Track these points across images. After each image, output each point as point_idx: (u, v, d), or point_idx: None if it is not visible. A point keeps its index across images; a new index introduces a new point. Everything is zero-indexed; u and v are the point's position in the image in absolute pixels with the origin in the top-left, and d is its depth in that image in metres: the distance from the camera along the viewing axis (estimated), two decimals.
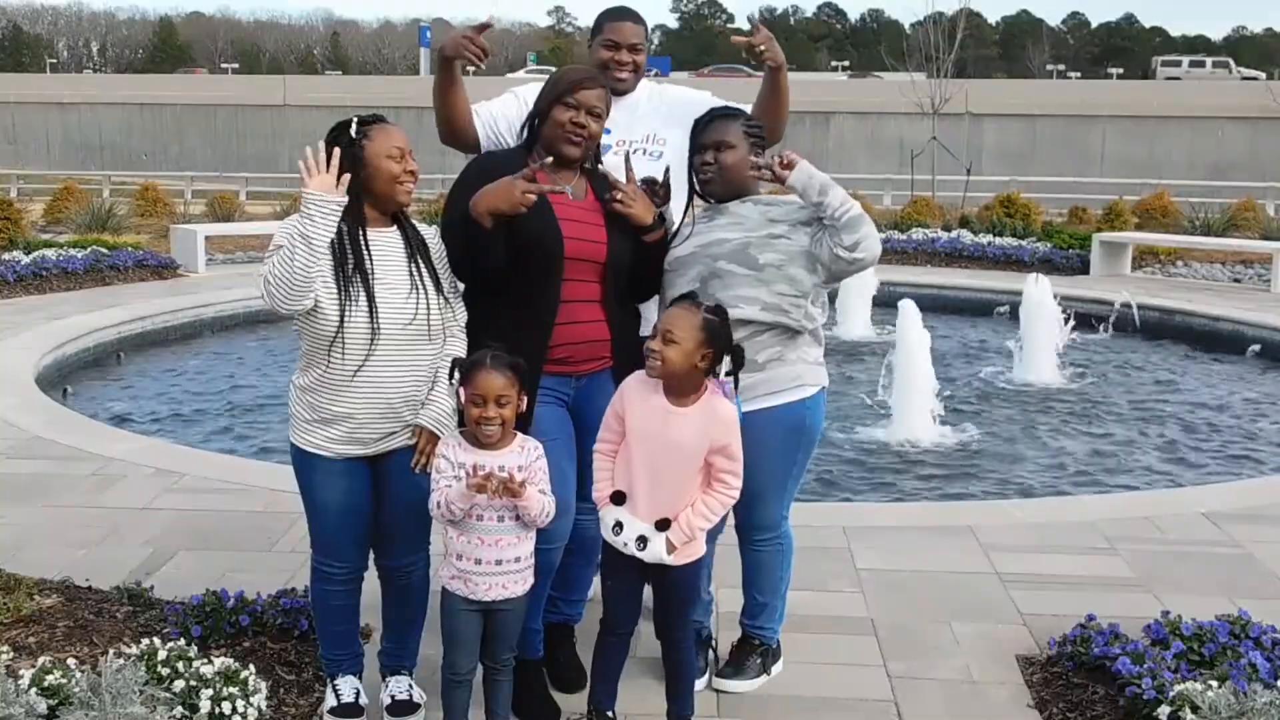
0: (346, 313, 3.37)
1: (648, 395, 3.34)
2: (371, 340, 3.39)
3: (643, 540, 3.31)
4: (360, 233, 3.45)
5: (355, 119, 3.47)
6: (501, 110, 4.04)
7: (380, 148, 3.44)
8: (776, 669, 4.00)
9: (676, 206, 3.90)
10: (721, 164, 3.70)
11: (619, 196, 3.67)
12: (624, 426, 3.37)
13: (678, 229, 3.82)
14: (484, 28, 3.80)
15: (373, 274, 3.42)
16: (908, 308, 8.35)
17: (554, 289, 3.59)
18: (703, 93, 4.26)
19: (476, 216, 3.47)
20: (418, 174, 3.53)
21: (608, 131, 3.95)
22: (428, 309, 3.46)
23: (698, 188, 3.82)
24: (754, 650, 3.95)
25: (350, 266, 3.40)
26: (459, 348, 3.56)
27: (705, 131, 3.73)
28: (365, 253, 3.43)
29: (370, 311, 3.39)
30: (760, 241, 3.67)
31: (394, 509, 3.55)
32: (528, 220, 3.50)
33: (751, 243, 3.66)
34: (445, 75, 3.90)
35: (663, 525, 3.31)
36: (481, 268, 3.57)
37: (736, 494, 3.40)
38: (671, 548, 3.32)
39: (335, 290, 3.38)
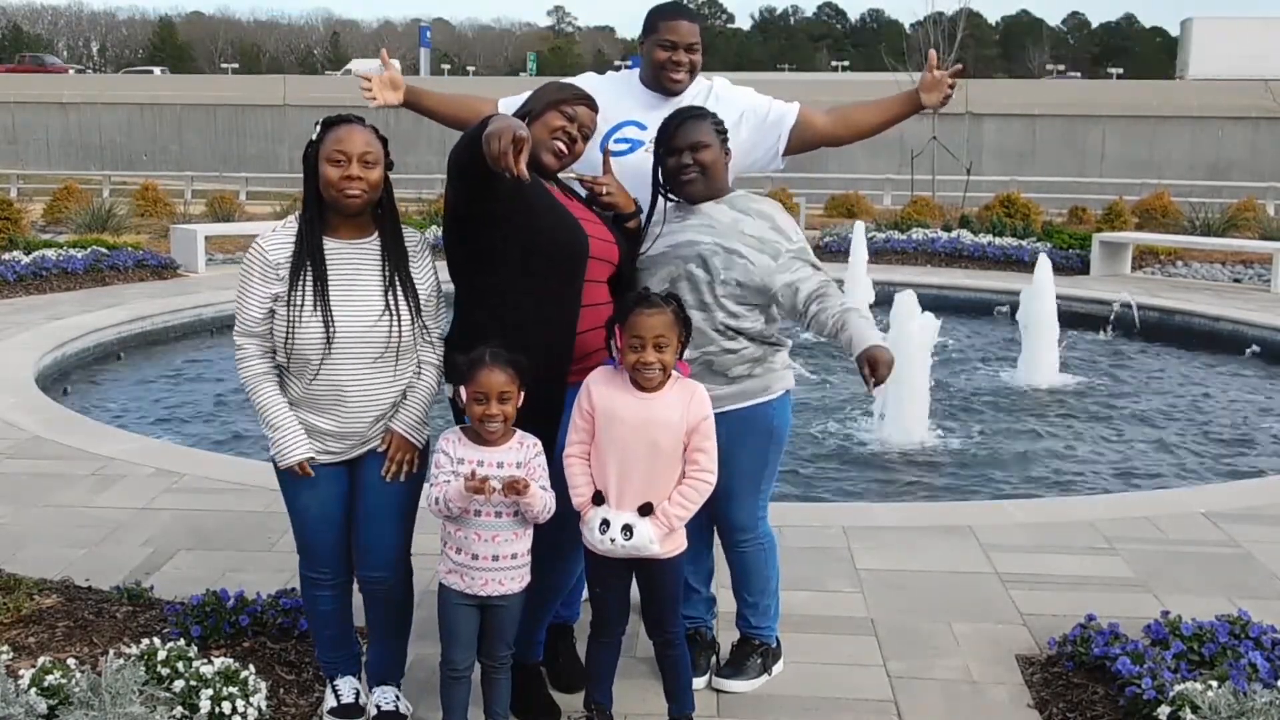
0: (295, 324, 3.29)
1: (618, 387, 3.35)
2: (325, 355, 3.30)
3: (628, 530, 3.30)
4: (317, 243, 3.32)
5: (322, 120, 3.37)
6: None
7: (324, 150, 3.31)
8: (777, 668, 4.00)
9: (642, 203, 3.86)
10: (701, 163, 3.65)
11: (603, 190, 3.67)
12: (593, 424, 3.36)
13: (646, 227, 3.77)
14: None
15: (332, 286, 3.30)
16: (905, 301, 8.29)
17: (577, 291, 3.51)
18: (762, 97, 4.17)
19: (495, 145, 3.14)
20: (373, 181, 3.31)
21: (642, 128, 3.92)
22: (400, 332, 3.36)
23: (673, 189, 3.74)
24: (753, 650, 3.95)
25: (302, 276, 3.29)
26: (431, 358, 3.49)
27: (677, 134, 3.68)
28: (322, 265, 3.30)
29: (325, 325, 3.28)
30: (728, 250, 3.63)
31: (365, 517, 3.48)
32: (549, 223, 3.46)
33: (718, 250, 3.63)
34: (416, 109, 4.03)
35: (646, 510, 3.31)
36: (488, 262, 3.46)
37: (712, 478, 3.38)
38: (656, 533, 3.31)
39: (285, 304, 3.30)
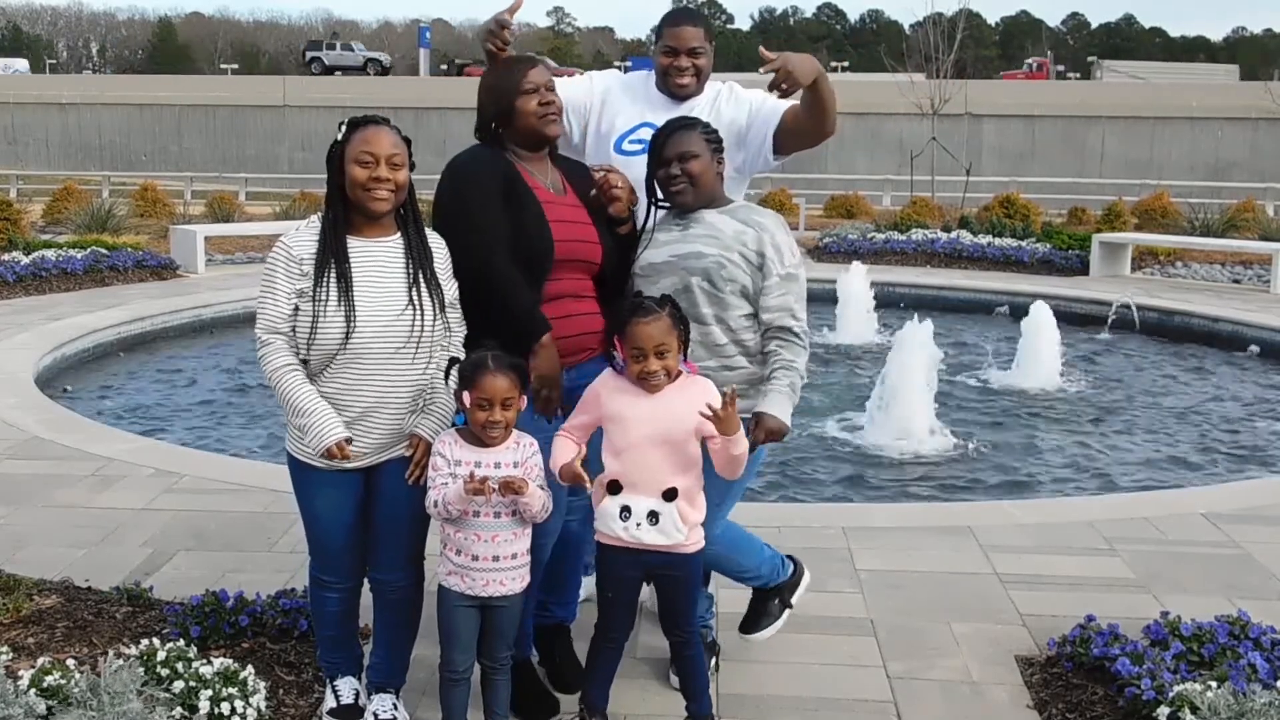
0: (319, 319, 3.28)
1: (626, 390, 3.36)
2: (349, 348, 3.29)
3: (654, 516, 3.30)
4: (341, 241, 3.32)
5: (347, 120, 3.38)
6: (568, 93, 4.00)
7: (351, 151, 3.30)
8: (799, 594, 4.05)
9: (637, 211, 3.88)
10: (690, 173, 3.66)
11: (616, 183, 3.68)
12: (595, 421, 3.39)
13: (640, 235, 3.78)
14: (514, 9, 3.82)
15: (355, 285, 3.29)
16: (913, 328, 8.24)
17: (538, 289, 3.54)
18: (770, 96, 4.10)
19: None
20: (400, 183, 3.32)
21: (651, 126, 3.93)
22: (423, 328, 3.35)
23: (664, 199, 3.75)
24: (768, 596, 4.00)
25: (326, 272, 3.28)
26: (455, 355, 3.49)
27: (667, 144, 3.68)
28: (346, 261, 3.30)
29: (346, 323, 3.27)
30: (732, 263, 3.65)
31: (381, 522, 3.48)
32: (519, 224, 3.49)
33: (724, 264, 3.64)
34: (489, 64, 3.93)
35: (670, 495, 3.30)
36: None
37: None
38: (684, 519, 3.31)
39: (309, 299, 3.29)
